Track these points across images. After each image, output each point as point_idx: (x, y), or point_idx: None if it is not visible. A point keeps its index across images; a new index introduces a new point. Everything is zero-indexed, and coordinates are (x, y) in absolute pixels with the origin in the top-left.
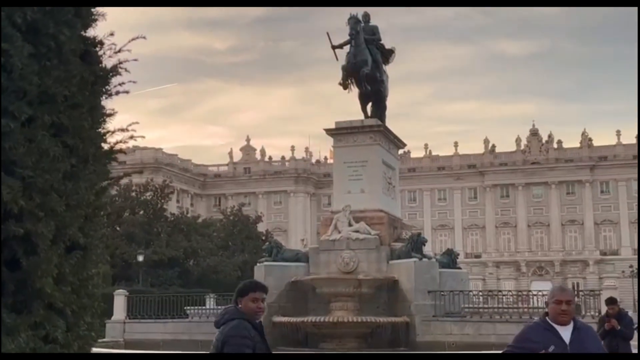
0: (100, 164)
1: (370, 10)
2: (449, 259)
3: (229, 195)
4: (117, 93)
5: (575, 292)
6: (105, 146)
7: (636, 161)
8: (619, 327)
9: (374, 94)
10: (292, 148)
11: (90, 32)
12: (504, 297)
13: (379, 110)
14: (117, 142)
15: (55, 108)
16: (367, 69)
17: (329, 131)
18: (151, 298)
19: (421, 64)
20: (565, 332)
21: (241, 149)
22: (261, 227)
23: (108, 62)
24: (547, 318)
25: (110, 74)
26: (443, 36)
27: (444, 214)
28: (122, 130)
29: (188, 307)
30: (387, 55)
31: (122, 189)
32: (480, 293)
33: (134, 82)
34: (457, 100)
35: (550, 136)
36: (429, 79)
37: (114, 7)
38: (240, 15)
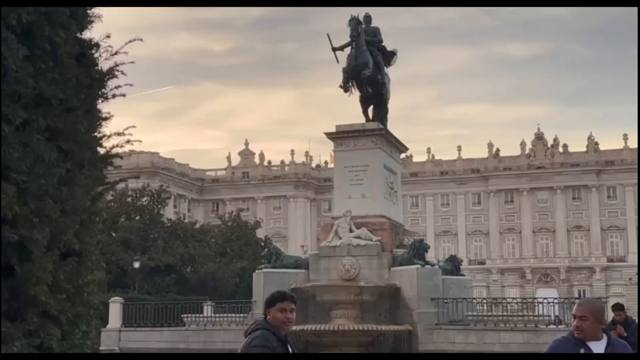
0: (96, 168)
1: (371, 11)
2: (452, 266)
3: (227, 200)
4: (114, 96)
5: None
6: (101, 150)
7: None
8: (626, 334)
9: (375, 97)
10: (292, 152)
11: (86, 34)
12: (508, 304)
13: (381, 114)
14: (113, 147)
15: (51, 111)
16: (368, 71)
17: (329, 135)
18: (147, 306)
19: (424, 66)
20: (598, 348)
21: (239, 153)
22: (260, 233)
23: (104, 65)
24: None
25: (107, 76)
26: (446, 38)
27: (447, 219)
28: (119, 134)
29: (185, 315)
30: (388, 57)
31: (117, 194)
32: (485, 301)
33: (131, 85)
34: (460, 103)
35: (555, 140)
36: (431, 82)
37: (111, 8)
38: (238, 17)
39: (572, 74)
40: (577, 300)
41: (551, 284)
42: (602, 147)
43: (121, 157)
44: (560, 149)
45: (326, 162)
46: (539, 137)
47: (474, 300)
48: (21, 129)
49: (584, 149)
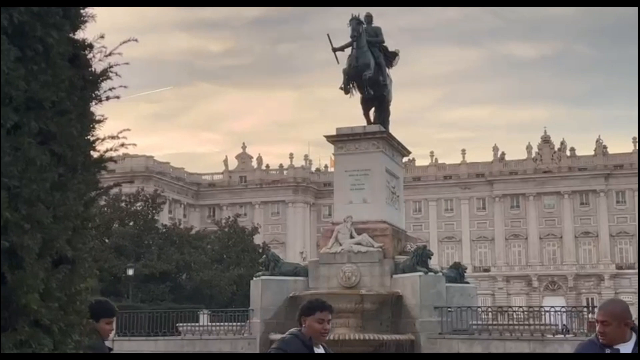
0: (89, 173)
1: (373, 10)
2: (456, 273)
3: (223, 205)
4: (108, 98)
5: (590, 307)
6: (95, 154)
7: None
8: None
9: (377, 98)
10: (291, 156)
11: (80, 35)
12: (514, 313)
13: (382, 116)
14: (107, 150)
15: (43, 114)
16: (369, 72)
17: (329, 138)
18: (141, 314)
19: (427, 68)
20: (625, 349)
21: (237, 157)
22: (258, 239)
23: (98, 66)
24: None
25: (101, 78)
26: (450, 38)
27: (451, 225)
28: (113, 137)
29: (180, 324)
30: (390, 58)
31: (111, 199)
32: (490, 309)
33: (125, 86)
34: (464, 105)
35: (562, 143)
36: (435, 83)
37: (106, 8)
38: (236, 17)
39: (579, 76)
40: (585, 309)
41: (558, 292)
42: (610, 151)
43: (115, 161)
44: (568, 153)
45: (326, 166)
46: (546, 140)
47: (479, 309)
48: (12, 133)
49: (592, 153)
